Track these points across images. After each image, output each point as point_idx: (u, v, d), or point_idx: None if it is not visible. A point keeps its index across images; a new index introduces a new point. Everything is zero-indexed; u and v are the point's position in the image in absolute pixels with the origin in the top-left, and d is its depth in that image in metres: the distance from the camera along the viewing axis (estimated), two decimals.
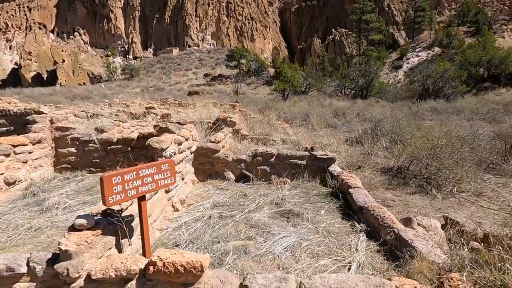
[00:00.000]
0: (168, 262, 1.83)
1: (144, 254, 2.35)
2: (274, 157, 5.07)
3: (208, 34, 68.11)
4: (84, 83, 50.49)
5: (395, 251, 2.45)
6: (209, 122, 7.76)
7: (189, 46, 65.30)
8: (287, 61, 54.16)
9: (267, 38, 75.51)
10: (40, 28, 54.92)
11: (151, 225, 2.89)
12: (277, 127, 10.31)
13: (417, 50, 51.79)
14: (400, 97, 28.86)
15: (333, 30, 73.86)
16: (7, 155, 3.97)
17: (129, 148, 5.04)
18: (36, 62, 49.82)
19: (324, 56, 53.55)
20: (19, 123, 4.96)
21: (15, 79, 51.20)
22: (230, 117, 7.78)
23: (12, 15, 64.54)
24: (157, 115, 7.58)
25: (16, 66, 54.70)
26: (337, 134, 9.66)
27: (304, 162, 5.04)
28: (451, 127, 6.66)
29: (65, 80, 48.42)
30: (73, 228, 2.02)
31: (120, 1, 69.78)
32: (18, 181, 4.13)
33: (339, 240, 2.83)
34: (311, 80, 36.34)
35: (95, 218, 2.21)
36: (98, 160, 5.01)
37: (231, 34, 69.81)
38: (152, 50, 67.69)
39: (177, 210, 3.74)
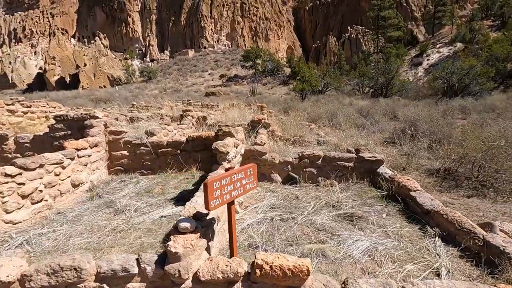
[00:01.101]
0: (276, 266, 1.88)
1: (231, 256, 2.42)
2: (320, 159, 5.08)
3: (223, 35, 68.60)
4: (104, 86, 52.02)
5: (482, 257, 2.41)
6: (243, 124, 7.84)
7: (205, 47, 66.01)
8: (302, 60, 53.81)
9: (282, 37, 75.26)
10: (63, 34, 57.01)
11: (221, 227, 2.97)
12: (306, 127, 10.27)
13: (438, 46, 50.21)
14: (423, 95, 28.07)
15: (348, 28, 72.76)
16: (72, 159, 4.17)
17: (178, 151, 5.17)
18: (59, 66, 51.73)
19: (340, 55, 52.81)
20: (75, 128, 5.19)
21: (40, 83, 53.35)
22: (264, 119, 7.83)
23: (37, 22, 67.30)
24: (193, 118, 7.73)
25: (41, 71, 57.02)
26: (369, 135, 9.53)
27: (351, 164, 5.01)
28: (499, 126, 6.44)
29: (87, 83, 50.03)
30: (176, 231, 2.11)
31: (137, 5, 71.39)
32: (81, 183, 4.33)
33: (415, 245, 2.81)
34: (328, 79, 35.95)
35: (181, 218, 2.30)
36: (149, 163, 5.17)
37: (246, 34, 70.03)
38: (169, 52, 68.86)
39: (236, 212, 3.81)
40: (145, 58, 68.84)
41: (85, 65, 51.06)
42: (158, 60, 67.51)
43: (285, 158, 5.17)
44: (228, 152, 3.58)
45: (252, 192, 4.77)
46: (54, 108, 7.67)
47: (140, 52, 70.61)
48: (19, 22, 67.47)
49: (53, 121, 7.81)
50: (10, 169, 3.10)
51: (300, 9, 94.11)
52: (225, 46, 68.37)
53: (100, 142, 4.93)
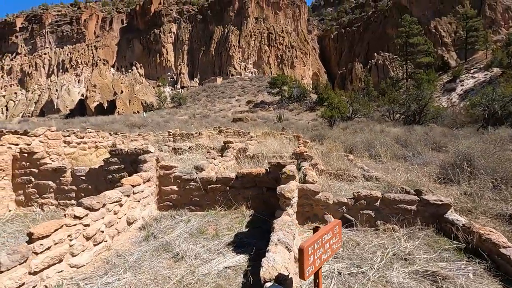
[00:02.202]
0: None
1: None
2: (379, 201, 4.72)
3: (250, 63, 71.09)
4: (138, 111, 54.96)
5: None
6: (284, 156, 7.66)
7: (232, 75, 68.53)
8: (329, 87, 53.93)
9: (307, 64, 76.56)
10: (104, 64, 62.04)
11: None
12: (344, 158, 9.88)
13: (472, 71, 48.36)
14: (461, 123, 26.59)
15: (375, 54, 72.76)
16: (128, 196, 4.17)
17: (227, 187, 5.06)
18: (99, 93, 55.79)
19: (368, 81, 52.33)
20: (128, 161, 5.30)
21: (81, 108, 57.61)
22: (306, 151, 7.63)
23: (82, 54, 74.15)
24: (234, 149, 7.71)
25: (82, 97, 61.80)
26: (415, 168, 8.93)
27: (413, 207, 4.60)
28: None
29: (122, 109, 53.20)
30: None
31: (171, 37, 76.72)
32: (135, 220, 4.30)
33: None
34: (357, 106, 35.42)
35: (267, 284, 2.09)
36: (198, 199, 5.09)
37: (272, 62, 72.09)
38: (198, 79, 72.20)
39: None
40: (176, 85, 72.57)
41: (122, 92, 54.65)
42: (188, 87, 70.86)
43: (340, 198, 4.86)
44: (293, 198, 3.39)
45: (307, 235, 4.49)
46: (103, 138, 8.08)
47: (171, 79, 74.72)
48: (67, 54, 74.71)
49: (102, 151, 8.14)
50: (78, 211, 3.11)
51: (325, 37, 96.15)
52: (251, 73, 70.62)
53: (152, 177, 4.96)
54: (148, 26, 78.47)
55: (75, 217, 3.05)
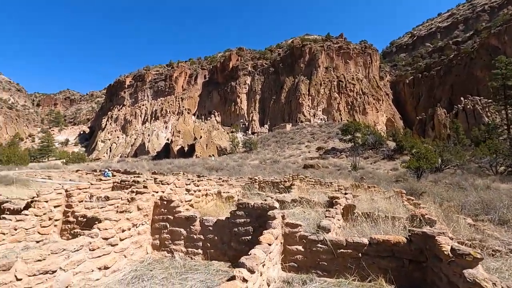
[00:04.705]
0: None
1: None
2: None
3: (320, 110, 71.77)
4: (213, 155, 59.36)
5: None
6: (399, 218, 6.89)
7: (301, 121, 69.78)
8: (409, 134, 49.83)
9: (380, 110, 73.42)
10: (188, 113, 70.65)
11: None
12: (462, 222, 8.40)
13: None
14: None
15: (461, 98, 65.90)
16: (266, 255, 4.12)
17: (360, 254, 4.65)
18: (182, 138, 62.74)
19: (457, 128, 46.74)
20: (254, 216, 5.43)
21: (166, 151, 65.24)
22: (426, 214, 6.74)
23: (171, 104, 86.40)
24: (341, 206, 7.30)
25: (168, 141, 70.36)
26: None
27: None
28: None
29: (200, 152, 58.21)
30: None
31: (245, 88, 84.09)
32: (272, 282, 4.18)
33: None
34: (448, 155, 31.45)
35: None
36: (325, 263, 4.77)
37: (342, 108, 71.45)
38: (268, 126, 75.53)
39: None
40: (247, 131, 77.13)
41: (201, 137, 60.42)
42: (258, 133, 74.49)
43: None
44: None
45: None
46: (212, 186, 8.73)
47: (243, 126, 79.97)
48: (159, 105, 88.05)
49: (210, 198, 8.68)
50: (245, 273, 3.16)
51: (399, 83, 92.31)
52: (321, 120, 70.81)
53: (278, 235, 4.91)
54: (226, 79, 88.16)
55: (244, 279, 3.08)
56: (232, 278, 3.12)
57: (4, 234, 5.43)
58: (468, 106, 60.92)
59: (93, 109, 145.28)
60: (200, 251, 5.59)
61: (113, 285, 4.27)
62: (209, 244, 5.56)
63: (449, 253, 3.55)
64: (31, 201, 6.75)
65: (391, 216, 7.02)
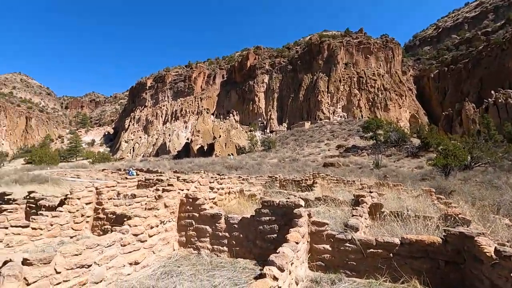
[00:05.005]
0: None
1: None
2: None
3: (339, 107, 70.35)
4: (232, 154, 59.80)
5: None
6: (431, 218, 6.58)
7: (321, 119, 68.74)
8: (435, 130, 47.72)
9: (403, 106, 70.83)
10: (207, 112, 71.63)
11: None
12: (499, 223, 7.90)
13: None
14: None
15: (492, 92, 62.25)
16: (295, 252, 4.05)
17: (390, 254, 4.48)
18: (201, 137, 63.69)
19: (488, 123, 44.20)
20: (279, 214, 5.38)
21: (186, 150, 66.50)
22: (460, 213, 6.40)
23: (190, 104, 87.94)
24: (367, 204, 7.09)
25: (187, 141, 71.70)
26: None
27: None
28: None
29: (219, 151, 58.84)
30: None
31: (263, 87, 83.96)
32: (300, 281, 4.12)
33: None
34: (478, 152, 29.83)
35: None
36: (354, 263, 4.64)
37: (363, 105, 69.64)
38: (286, 124, 75.03)
39: None
40: (265, 130, 77.04)
41: (220, 136, 61.04)
42: (276, 131, 74.19)
43: None
44: None
45: None
46: (234, 184, 8.78)
47: (261, 124, 79.95)
48: (179, 105, 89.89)
49: (232, 196, 8.73)
50: (276, 272, 3.12)
51: (423, 77, 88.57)
52: (340, 117, 69.38)
53: (305, 233, 4.83)
54: (244, 79, 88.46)
55: (274, 278, 3.05)
56: (262, 276, 3.09)
57: (41, 229, 5.72)
58: (500, 100, 57.46)
59: (116, 110, 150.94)
60: (225, 248, 5.62)
61: (144, 280, 4.38)
62: (234, 242, 5.58)
63: (493, 254, 3.33)
64: (65, 198, 7.09)
65: (422, 215, 6.73)
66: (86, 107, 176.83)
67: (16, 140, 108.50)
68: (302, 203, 5.28)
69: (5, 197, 8.90)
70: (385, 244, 4.54)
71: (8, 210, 7.25)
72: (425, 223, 6.06)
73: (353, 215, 5.67)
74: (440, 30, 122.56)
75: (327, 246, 4.89)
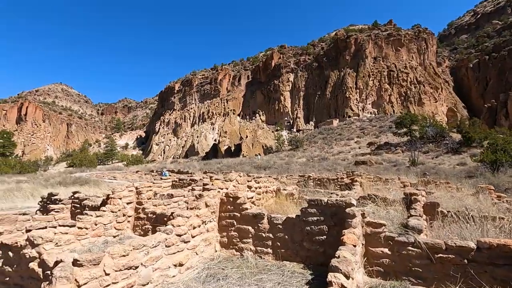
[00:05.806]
0: None
1: None
2: None
3: (369, 103, 67.59)
4: (259, 154, 59.67)
5: None
6: (493, 218, 5.79)
7: (349, 116, 66.48)
8: (477, 124, 44.07)
9: (439, 100, 66.39)
10: (233, 113, 72.19)
11: None
12: None
13: None
14: None
15: None
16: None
17: (465, 261, 3.89)
18: (228, 138, 64.28)
19: None
20: (328, 214, 4.97)
21: (214, 151, 67.51)
22: None
23: (217, 106, 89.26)
24: (421, 203, 6.42)
25: (215, 142, 72.78)
26: None
27: None
28: None
29: (246, 152, 58.97)
30: None
31: (289, 86, 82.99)
32: None
33: None
34: None
35: None
36: (420, 269, 4.11)
37: (394, 100, 66.29)
38: (313, 122, 73.49)
39: None
40: (292, 129, 76.04)
41: (247, 136, 61.18)
42: (303, 130, 72.92)
43: None
44: None
45: None
46: (271, 183, 8.50)
47: (288, 124, 79.04)
48: (206, 107, 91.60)
49: (269, 195, 8.41)
50: (343, 280, 2.74)
51: (461, 67, 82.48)
52: (371, 113, 66.61)
53: (360, 235, 4.37)
54: (269, 78, 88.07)
55: (342, 286, 2.67)
56: (329, 284, 2.72)
57: (87, 228, 5.79)
58: None
59: (147, 114, 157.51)
60: (270, 250, 5.30)
61: (190, 283, 4.19)
62: (279, 243, 5.25)
63: None
64: (106, 199, 7.19)
65: (490, 215, 5.95)
66: (120, 113, 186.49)
67: (59, 145, 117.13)
68: (355, 202, 4.81)
69: (52, 197, 9.32)
70: (457, 249, 3.96)
71: (55, 210, 7.51)
72: (496, 224, 5.33)
73: (411, 215, 5.09)
74: (478, 16, 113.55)
75: (386, 250, 4.39)
